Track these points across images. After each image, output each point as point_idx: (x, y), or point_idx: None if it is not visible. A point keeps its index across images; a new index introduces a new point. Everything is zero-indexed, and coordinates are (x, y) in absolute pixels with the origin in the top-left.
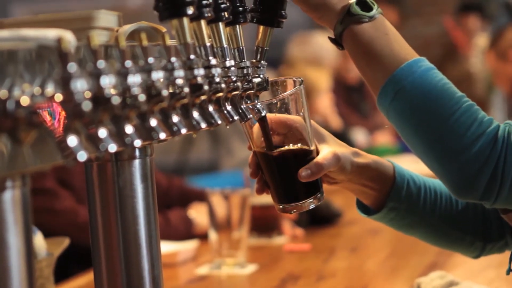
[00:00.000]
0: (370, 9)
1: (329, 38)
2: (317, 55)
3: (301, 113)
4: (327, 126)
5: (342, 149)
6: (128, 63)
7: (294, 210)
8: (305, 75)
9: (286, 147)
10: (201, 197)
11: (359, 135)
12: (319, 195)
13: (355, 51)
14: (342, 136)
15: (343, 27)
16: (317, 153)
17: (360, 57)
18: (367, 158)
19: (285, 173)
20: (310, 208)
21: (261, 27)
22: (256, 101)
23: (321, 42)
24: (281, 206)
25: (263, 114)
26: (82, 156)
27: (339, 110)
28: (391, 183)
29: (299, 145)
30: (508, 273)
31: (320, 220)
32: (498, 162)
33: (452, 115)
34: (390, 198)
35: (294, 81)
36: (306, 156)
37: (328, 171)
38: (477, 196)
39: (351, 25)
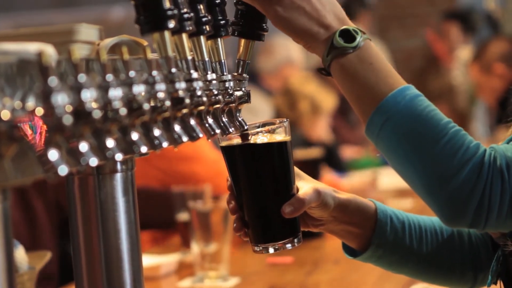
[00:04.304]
0: (353, 38)
1: (318, 69)
2: (286, 60)
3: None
4: (322, 142)
5: (321, 185)
6: (109, 77)
7: (271, 251)
8: (312, 94)
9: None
10: None
11: (345, 149)
12: (295, 239)
13: (342, 84)
14: (332, 150)
15: (330, 59)
16: (297, 191)
17: (347, 89)
18: (346, 194)
19: (266, 210)
20: (287, 248)
21: (243, 40)
22: (241, 125)
23: (286, 44)
24: (257, 248)
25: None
26: (63, 170)
27: (334, 123)
28: (374, 219)
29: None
30: (489, 285)
31: (303, 232)
32: (485, 188)
33: (437, 142)
34: (375, 234)
35: (280, 122)
36: (288, 192)
37: (311, 208)
38: (467, 223)
39: (337, 58)
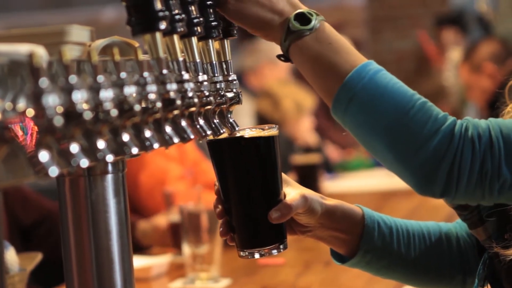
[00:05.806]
0: (309, 21)
1: (278, 56)
2: (268, 59)
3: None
4: (307, 144)
5: (308, 191)
6: (100, 78)
7: (257, 256)
8: (293, 93)
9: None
10: None
11: (332, 150)
12: (281, 245)
13: (303, 66)
14: (318, 151)
15: (288, 44)
16: (284, 197)
17: (309, 71)
18: (333, 200)
19: (253, 215)
20: (272, 254)
21: (217, 42)
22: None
23: (271, 43)
24: (243, 253)
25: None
26: (53, 171)
27: (319, 123)
28: (361, 224)
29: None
30: None
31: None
32: (455, 157)
33: (406, 114)
34: (363, 240)
35: (269, 127)
36: (275, 197)
37: (298, 214)
38: (438, 192)
39: (295, 41)
